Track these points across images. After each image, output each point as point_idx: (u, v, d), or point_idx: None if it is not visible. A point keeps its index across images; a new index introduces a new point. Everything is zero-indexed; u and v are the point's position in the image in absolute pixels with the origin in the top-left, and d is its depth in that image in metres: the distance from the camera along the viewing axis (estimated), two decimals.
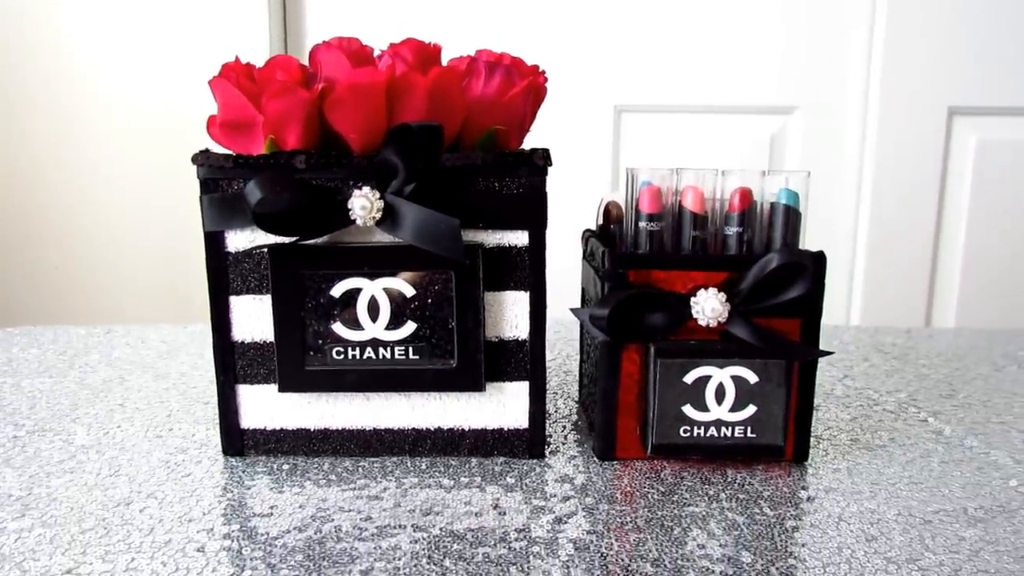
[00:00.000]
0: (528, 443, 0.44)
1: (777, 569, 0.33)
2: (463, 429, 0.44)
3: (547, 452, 0.45)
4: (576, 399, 0.55)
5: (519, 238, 0.42)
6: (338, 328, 0.42)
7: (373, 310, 0.42)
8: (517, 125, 0.44)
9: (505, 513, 0.38)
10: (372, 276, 0.42)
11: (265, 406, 0.44)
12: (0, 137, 1.14)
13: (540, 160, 0.41)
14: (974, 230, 1.17)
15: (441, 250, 0.39)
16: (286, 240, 0.41)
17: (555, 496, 0.40)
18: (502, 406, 0.44)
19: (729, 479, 0.42)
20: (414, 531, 0.36)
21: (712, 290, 0.41)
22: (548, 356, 0.43)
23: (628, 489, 0.41)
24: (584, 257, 0.50)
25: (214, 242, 0.42)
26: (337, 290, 0.42)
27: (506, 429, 0.44)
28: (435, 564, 0.34)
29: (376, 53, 0.44)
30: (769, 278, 0.41)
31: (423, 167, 0.39)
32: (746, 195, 0.42)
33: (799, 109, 1.15)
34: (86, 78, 1.13)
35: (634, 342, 0.43)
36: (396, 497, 0.40)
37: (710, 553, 0.35)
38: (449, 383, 0.43)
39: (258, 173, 0.40)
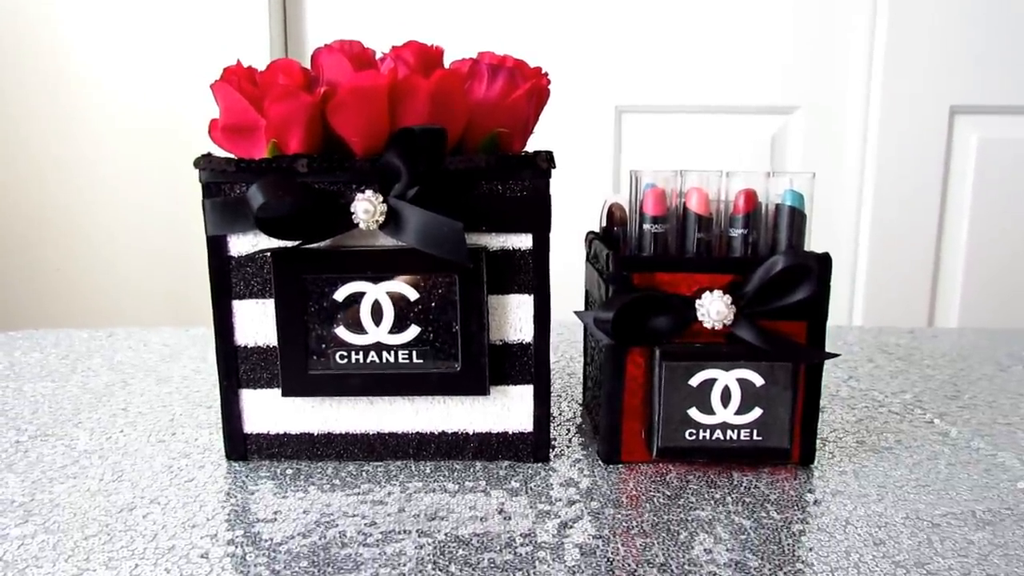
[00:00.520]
0: (533, 447, 0.44)
1: (785, 573, 0.33)
2: (467, 433, 0.44)
3: (552, 456, 0.45)
4: (580, 402, 0.55)
5: (523, 241, 0.42)
6: (341, 332, 0.42)
7: (376, 314, 0.42)
8: (520, 128, 0.44)
9: (510, 518, 0.38)
10: (375, 280, 0.42)
11: (268, 410, 0.44)
12: (1, 139, 1.14)
13: (544, 163, 0.41)
14: (976, 229, 1.17)
15: (445, 253, 0.39)
16: (289, 244, 0.41)
17: (560, 500, 0.40)
18: (506, 410, 0.44)
19: (735, 482, 0.42)
20: (419, 536, 0.36)
21: (717, 292, 0.41)
22: (552, 359, 0.42)
23: (634, 493, 0.41)
24: (587, 259, 0.49)
25: (217, 246, 0.42)
26: (340, 294, 0.42)
27: (511, 433, 0.44)
28: (440, 570, 0.33)
29: (378, 56, 0.44)
30: (774, 280, 0.40)
31: (426, 170, 0.39)
32: (751, 197, 0.42)
33: (800, 109, 1.15)
34: (87, 81, 1.13)
35: (639, 345, 0.42)
36: (401, 502, 0.40)
37: (717, 558, 0.34)
38: (453, 387, 0.43)
39: (260, 177, 0.39)
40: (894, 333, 0.76)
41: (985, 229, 1.17)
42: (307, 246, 0.41)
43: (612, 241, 0.47)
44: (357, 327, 0.42)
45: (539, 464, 0.44)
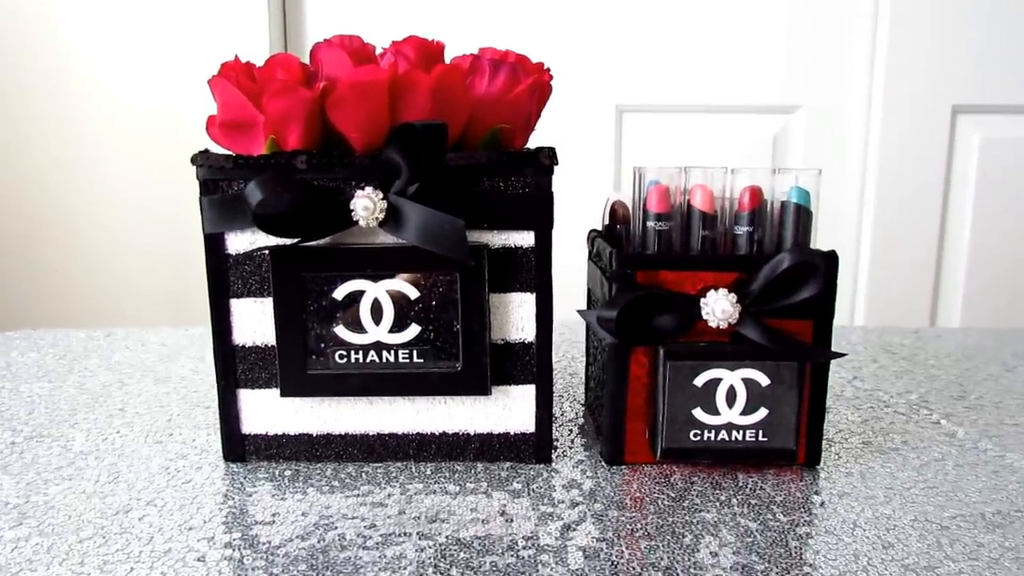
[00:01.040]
0: (535, 447, 0.44)
1: None
2: (468, 433, 0.44)
3: (554, 457, 0.45)
4: (582, 402, 0.54)
5: (525, 239, 0.41)
6: (341, 331, 0.41)
7: (376, 313, 0.41)
8: (522, 123, 0.43)
9: (512, 520, 0.37)
10: (375, 278, 0.41)
11: (267, 411, 0.43)
12: None
13: (546, 159, 0.40)
14: (978, 229, 1.16)
15: (446, 251, 0.38)
16: (287, 242, 0.40)
17: (563, 502, 0.39)
18: (508, 410, 0.43)
19: (740, 484, 0.41)
20: (419, 539, 0.35)
21: (722, 291, 0.40)
22: (553, 358, 0.42)
23: (637, 495, 0.40)
24: (590, 257, 0.49)
25: (214, 244, 0.41)
26: (340, 292, 0.41)
27: (512, 433, 0.43)
28: (441, 573, 0.33)
29: (378, 51, 0.43)
30: (780, 279, 0.40)
31: (427, 167, 0.38)
32: (756, 194, 0.42)
33: (801, 108, 1.15)
34: (84, 79, 1.12)
35: (642, 344, 0.42)
36: (401, 504, 0.39)
37: (722, 561, 0.34)
38: (454, 387, 0.42)
39: (259, 174, 0.39)
40: (898, 333, 0.75)
41: (987, 229, 1.16)
42: (306, 244, 0.40)
43: (615, 239, 0.46)
44: (357, 326, 0.41)
45: (541, 465, 0.44)
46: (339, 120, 0.39)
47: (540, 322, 0.42)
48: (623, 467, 0.43)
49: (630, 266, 0.41)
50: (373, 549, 0.35)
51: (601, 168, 1.17)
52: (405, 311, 0.41)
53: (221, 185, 0.41)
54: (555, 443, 0.47)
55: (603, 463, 0.44)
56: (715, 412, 0.41)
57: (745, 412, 0.41)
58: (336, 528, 0.37)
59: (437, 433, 0.43)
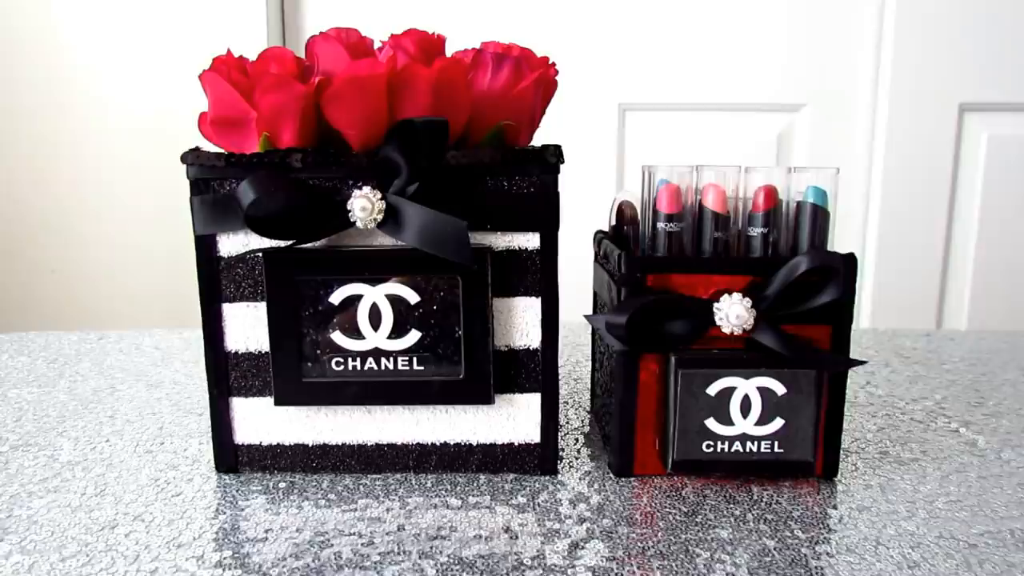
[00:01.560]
0: (540, 459, 0.42)
1: None
2: (471, 444, 0.42)
3: (560, 468, 0.43)
4: (588, 409, 0.53)
5: (530, 240, 0.40)
6: (337, 337, 0.40)
7: (375, 318, 0.39)
8: (527, 120, 0.41)
9: (517, 537, 0.35)
10: (373, 282, 0.39)
11: (260, 420, 0.42)
12: None
13: (552, 157, 0.38)
14: (986, 228, 1.15)
15: (447, 254, 0.37)
16: (282, 244, 0.39)
17: (570, 518, 0.37)
18: (512, 419, 0.41)
19: (755, 497, 0.39)
20: (420, 558, 0.34)
21: (736, 295, 0.38)
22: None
23: (648, 510, 0.38)
24: (596, 260, 0.47)
25: (205, 246, 0.40)
26: (336, 297, 0.39)
27: (517, 444, 0.42)
28: None
29: (376, 45, 0.41)
30: (797, 282, 0.38)
31: (427, 165, 0.37)
32: (771, 193, 0.40)
33: (806, 107, 1.13)
34: (80, 78, 1.10)
35: (653, 351, 0.40)
36: (400, 519, 0.37)
37: None
38: (456, 395, 0.40)
39: (251, 172, 0.37)
40: (909, 336, 0.73)
41: (995, 228, 1.15)
42: (301, 246, 0.39)
43: (623, 240, 0.44)
44: (354, 332, 0.40)
45: (546, 477, 0.42)
46: (335, 116, 0.37)
47: (546, 328, 0.40)
48: (632, 479, 0.42)
49: (640, 269, 0.39)
50: (371, 569, 0.33)
51: (604, 167, 1.15)
52: (404, 316, 0.39)
53: (212, 184, 0.39)
54: (560, 453, 0.45)
55: (611, 475, 0.42)
56: (729, 422, 0.40)
57: (760, 422, 0.39)
58: (332, 546, 0.35)
59: (438, 443, 0.42)
